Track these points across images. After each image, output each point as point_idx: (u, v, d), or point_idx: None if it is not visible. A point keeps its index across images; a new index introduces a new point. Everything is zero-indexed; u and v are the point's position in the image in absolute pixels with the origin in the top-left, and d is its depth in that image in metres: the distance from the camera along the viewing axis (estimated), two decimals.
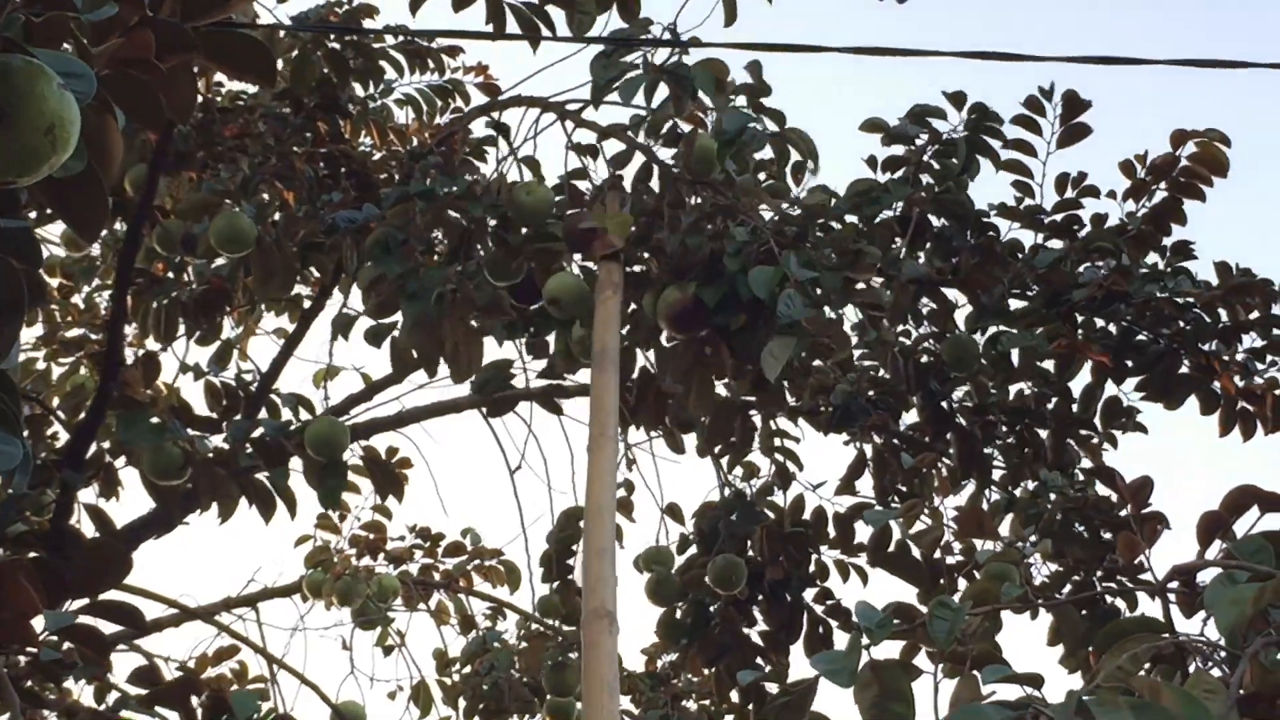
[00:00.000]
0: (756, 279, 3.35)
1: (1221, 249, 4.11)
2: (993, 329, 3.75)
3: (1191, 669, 2.32)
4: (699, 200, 3.70)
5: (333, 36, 4.61)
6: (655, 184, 3.79)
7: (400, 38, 4.97)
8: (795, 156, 3.77)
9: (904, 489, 4.09)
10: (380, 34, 4.57)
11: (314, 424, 3.93)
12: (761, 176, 3.85)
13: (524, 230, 3.79)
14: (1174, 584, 2.55)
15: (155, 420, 3.91)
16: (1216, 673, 2.29)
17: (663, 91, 3.61)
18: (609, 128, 3.89)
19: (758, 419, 4.35)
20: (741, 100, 3.68)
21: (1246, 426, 3.83)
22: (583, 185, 3.93)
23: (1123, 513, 3.66)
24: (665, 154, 3.83)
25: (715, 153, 3.62)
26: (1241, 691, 2.16)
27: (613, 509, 3.02)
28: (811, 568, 4.26)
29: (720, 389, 4.02)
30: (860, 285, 3.51)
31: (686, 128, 3.77)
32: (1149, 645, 2.35)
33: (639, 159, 3.84)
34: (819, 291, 3.34)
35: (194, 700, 3.84)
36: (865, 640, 2.33)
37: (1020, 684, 2.26)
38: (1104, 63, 3.63)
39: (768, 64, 3.75)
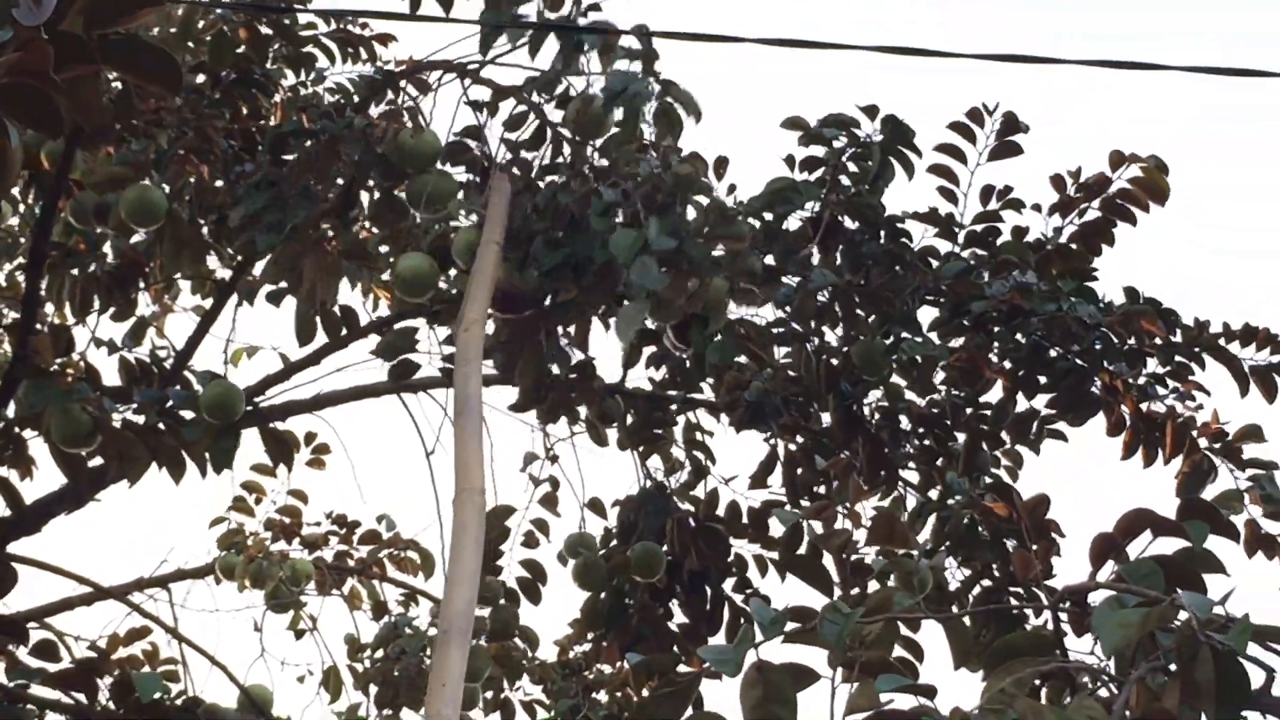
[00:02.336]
0: (618, 242, 3.32)
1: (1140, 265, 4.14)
2: (897, 335, 3.76)
3: (1080, 690, 2.35)
4: (580, 164, 3.68)
5: (263, 20, 4.55)
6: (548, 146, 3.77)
7: (330, 24, 4.93)
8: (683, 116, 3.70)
9: (819, 490, 4.11)
10: (296, 12, 4.51)
11: (209, 387, 3.94)
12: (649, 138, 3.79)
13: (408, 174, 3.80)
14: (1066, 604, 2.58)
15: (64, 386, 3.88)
16: (1105, 694, 2.32)
17: (551, 48, 3.60)
18: (505, 87, 3.87)
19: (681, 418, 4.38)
20: (634, 65, 3.64)
21: (1149, 452, 3.88)
22: (473, 144, 3.90)
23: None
24: (557, 115, 3.81)
25: (602, 118, 3.61)
26: (1127, 714, 2.19)
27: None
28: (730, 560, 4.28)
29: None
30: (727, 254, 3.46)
31: (578, 87, 3.74)
32: (1034, 670, 2.38)
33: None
34: (685, 260, 3.29)
35: (99, 682, 3.84)
36: (758, 635, 2.35)
37: (915, 694, 2.29)
38: (1018, 60, 3.64)
39: (687, 52, 3.74)
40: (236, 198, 4.07)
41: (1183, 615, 2.17)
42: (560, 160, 3.78)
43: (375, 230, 4.52)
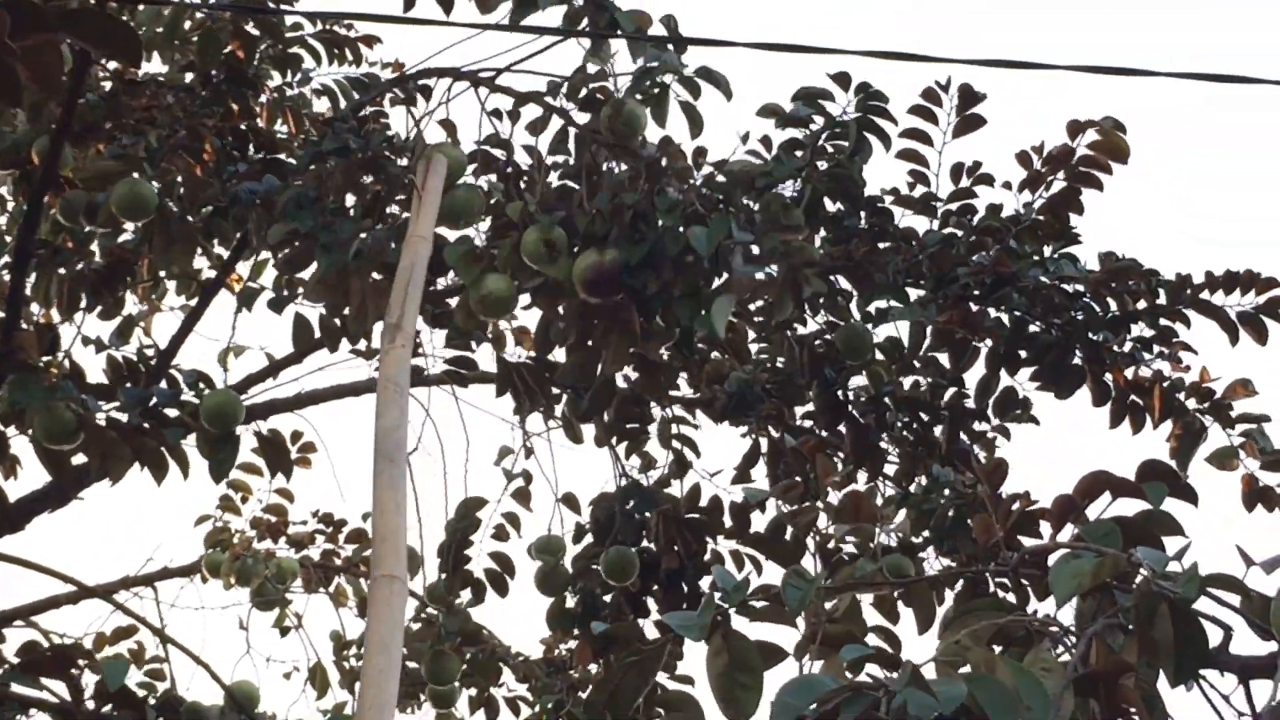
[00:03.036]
0: (698, 236, 3.38)
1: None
2: (881, 303, 3.73)
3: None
4: (621, 165, 3.69)
5: (249, 20, 4.57)
6: (571, 148, 3.78)
7: (316, 24, 4.96)
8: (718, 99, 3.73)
9: (799, 479, 4.07)
10: (284, 13, 4.53)
11: (210, 395, 3.92)
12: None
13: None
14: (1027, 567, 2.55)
15: (48, 383, 3.88)
16: (1067, 657, 2.28)
17: (569, 52, 3.62)
18: (526, 94, 3.87)
19: (656, 411, 4.35)
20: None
21: (1136, 419, 3.84)
22: (498, 153, 3.90)
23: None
24: (582, 119, 3.81)
25: (639, 118, 3.62)
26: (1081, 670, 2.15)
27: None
28: (708, 557, 4.24)
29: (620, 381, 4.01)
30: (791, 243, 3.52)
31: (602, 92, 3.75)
32: (989, 622, 2.35)
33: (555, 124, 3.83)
34: (757, 252, 3.39)
35: (80, 675, 3.82)
36: (721, 602, 2.32)
37: (879, 664, 2.25)
38: (1005, 65, 3.62)
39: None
40: (278, 212, 4.04)
41: (1141, 574, 2.15)
42: (586, 160, 3.76)
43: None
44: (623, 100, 3.67)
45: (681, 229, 3.48)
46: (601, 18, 3.68)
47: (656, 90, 3.66)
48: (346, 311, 3.87)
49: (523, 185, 3.87)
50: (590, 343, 3.72)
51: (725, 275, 3.47)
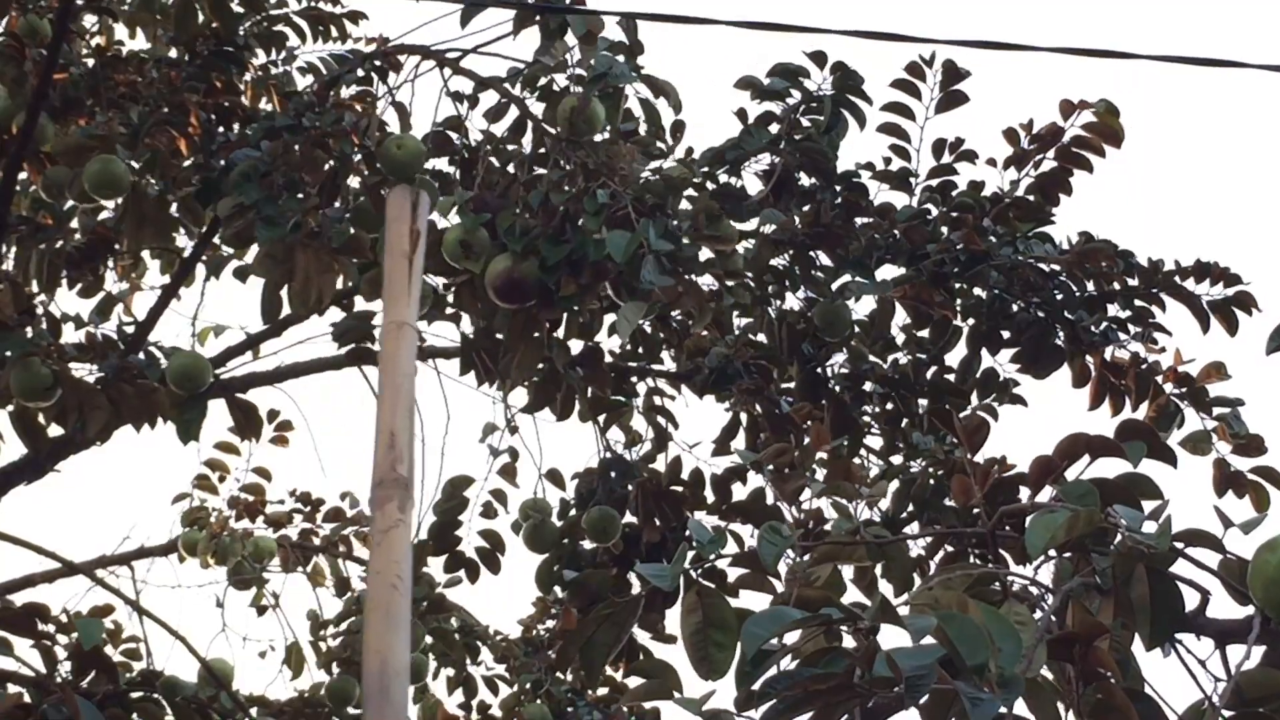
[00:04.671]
0: (615, 243, 3.36)
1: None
2: (847, 278, 3.73)
3: None
4: (568, 162, 3.68)
5: None
6: (528, 140, 3.77)
7: (301, 2, 4.94)
8: (666, 111, 3.74)
9: (789, 444, 4.05)
10: None
11: (176, 356, 3.91)
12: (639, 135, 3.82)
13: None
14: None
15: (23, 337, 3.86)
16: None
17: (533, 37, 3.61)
18: (486, 79, 3.86)
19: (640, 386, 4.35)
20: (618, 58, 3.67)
21: (1115, 401, 3.84)
22: (454, 135, 3.90)
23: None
24: (538, 109, 3.82)
25: (599, 118, 3.62)
26: (1054, 618, 2.14)
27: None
28: (689, 530, 4.22)
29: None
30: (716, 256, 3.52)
31: (561, 84, 3.75)
32: (964, 573, 2.33)
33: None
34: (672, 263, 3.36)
35: (47, 642, 3.79)
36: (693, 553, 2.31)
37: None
38: (988, 46, 3.63)
39: (658, 34, 3.76)
40: (226, 186, 4.02)
41: (1120, 536, 2.14)
42: (542, 152, 3.76)
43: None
44: (588, 96, 3.66)
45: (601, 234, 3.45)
46: (554, 20, 3.66)
47: (611, 91, 3.66)
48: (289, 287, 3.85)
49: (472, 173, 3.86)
50: (506, 349, 3.74)
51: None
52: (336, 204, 3.95)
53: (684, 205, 3.65)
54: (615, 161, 3.65)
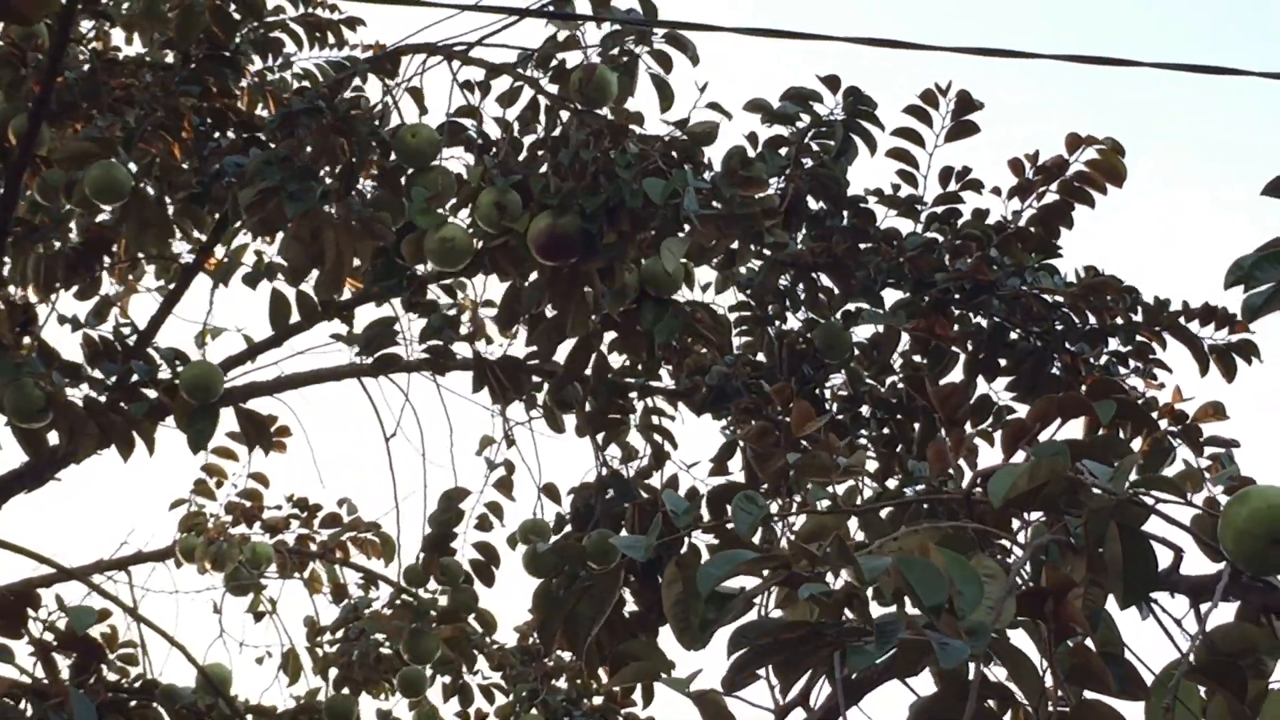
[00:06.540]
0: (652, 185, 3.38)
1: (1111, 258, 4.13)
2: (854, 311, 3.75)
3: None
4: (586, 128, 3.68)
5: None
6: (542, 119, 3.77)
7: (298, 7, 4.92)
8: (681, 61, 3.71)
9: (773, 425, 4.06)
10: None
11: (189, 366, 3.93)
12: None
13: (409, 172, 3.79)
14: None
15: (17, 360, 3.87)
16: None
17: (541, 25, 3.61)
18: (498, 66, 3.86)
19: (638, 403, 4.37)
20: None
21: (1109, 433, 3.85)
22: (469, 123, 3.90)
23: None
24: (553, 89, 3.80)
25: (610, 84, 3.61)
26: (1026, 570, 2.10)
27: None
28: (684, 550, 4.25)
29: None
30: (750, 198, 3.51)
31: (573, 61, 3.75)
32: (932, 525, 2.27)
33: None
34: (715, 203, 3.36)
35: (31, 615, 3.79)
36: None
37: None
38: (995, 54, 3.64)
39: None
40: (212, 173, 4.02)
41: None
42: (558, 130, 3.76)
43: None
44: (594, 65, 3.66)
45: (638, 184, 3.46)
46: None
47: (625, 59, 3.65)
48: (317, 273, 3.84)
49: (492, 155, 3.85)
50: (553, 308, 3.71)
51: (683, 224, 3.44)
52: (353, 191, 3.95)
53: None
54: (632, 123, 3.67)
